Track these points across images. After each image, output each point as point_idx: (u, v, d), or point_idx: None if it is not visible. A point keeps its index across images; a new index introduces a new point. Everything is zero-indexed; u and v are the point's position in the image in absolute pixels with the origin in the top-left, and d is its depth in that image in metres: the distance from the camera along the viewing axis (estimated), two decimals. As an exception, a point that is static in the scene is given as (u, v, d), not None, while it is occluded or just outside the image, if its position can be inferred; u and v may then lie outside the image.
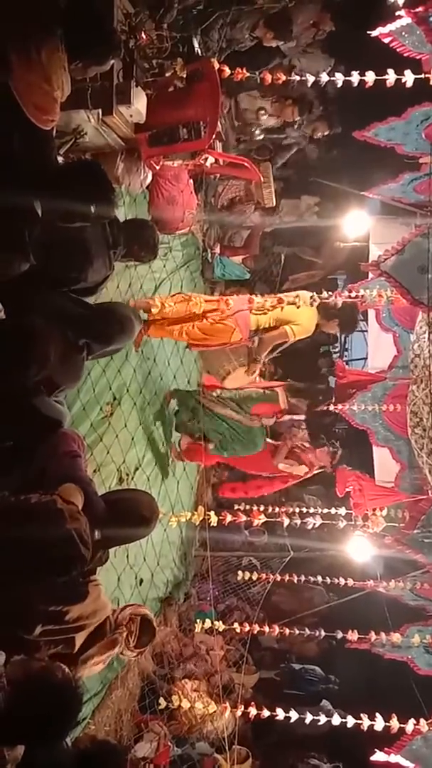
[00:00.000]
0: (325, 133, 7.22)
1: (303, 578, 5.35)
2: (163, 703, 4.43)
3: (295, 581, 5.39)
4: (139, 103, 4.08)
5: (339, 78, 3.86)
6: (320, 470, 5.86)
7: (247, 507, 5.33)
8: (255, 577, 5.47)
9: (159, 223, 5.14)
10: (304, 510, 5.34)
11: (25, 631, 2.40)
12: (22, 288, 2.76)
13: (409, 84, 3.74)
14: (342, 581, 5.17)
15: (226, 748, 4.68)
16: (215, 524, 4.86)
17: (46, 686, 2.03)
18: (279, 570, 5.85)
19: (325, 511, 5.33)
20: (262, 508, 5.25)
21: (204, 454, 5.47)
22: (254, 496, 5.95)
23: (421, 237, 4.03)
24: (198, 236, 6.70)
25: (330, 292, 5.02)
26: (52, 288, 2.91)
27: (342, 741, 5.11)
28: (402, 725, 3.80)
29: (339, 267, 8.14)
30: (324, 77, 3.97)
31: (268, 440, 5.73)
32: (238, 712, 4.14)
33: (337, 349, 9.82)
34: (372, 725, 3.81)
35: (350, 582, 5.16)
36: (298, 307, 4.91)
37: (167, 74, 4.55)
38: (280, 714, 4.02)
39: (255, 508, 5.25)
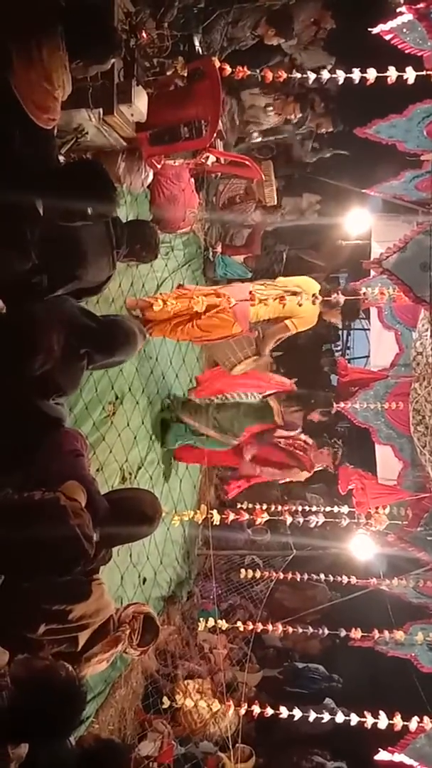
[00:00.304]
0: (329, 130, 7.21)
1: (306, 576, 5.35)
2: (166, 702, 4.43)
3: (298, 579, 5.39)
4: (140, 102, 4.08)
5: (340, 75, 3.85)
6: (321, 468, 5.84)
7: (250, 506, 5.33)
8: (258, 575, 5.47)
9: (160, 222, 5.15)
10: (307, 508, 5.34)
11: (29, 630, 2.41)
12: (26, 291, 2.76)
13: (411, 81, 3.73)
14: (345, 579, 5.17)
15: (230, 746, 4.68)
16: (218, 523, 4.86)
17: (49, 685, 2.03)
18: (282, 568, 5.84)
19: (328, 509, 5.33)
20: (264, 506, 5.25)
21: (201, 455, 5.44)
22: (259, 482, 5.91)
23: (423, 234, 4.02)
24: (199, 235, 6.70)
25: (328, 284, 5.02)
26: (55, 288, 2.90)
27: (345, 739, 5.11)
28: (406, 723, 3.80)
29: (341, 266, 8.14)
30: (325, 74, 3.96)
31: None
32: (242, 711, 4.14)
33: (339, 347, 9.83)
34: (375, 723, 3.81)
35: (353, 580, 5.16)
36: (300, 305, 4.90)
37: (168, 73, 4.55)
38: (284, 712, 4.02)
39: (258, 506, 5.25)
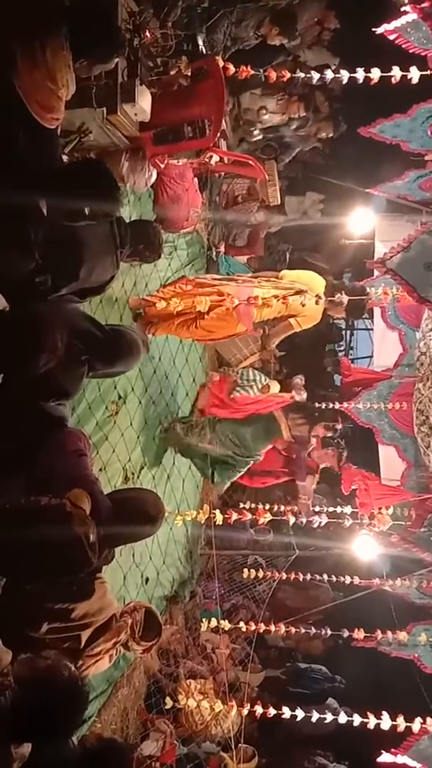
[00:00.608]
0: (330, 135, 7.21)
1: (309, 576, 5.35)
2: (169, 702, 4.43)
3: (301, 579, 5.38)
4: (144, 102, 4.08)
5: (344, 75, 3.84)
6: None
7: (253, 505, 5.33)
8: (261, 575, 5.47)
9: (164, 222, 5.15)
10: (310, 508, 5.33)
11: (32, 629, 2.41)
12: (30, 291, 2.76)
13: (415, 81, 3.72)
14: (348, 580, 5.16)
15: (233, 746, 4.68)
16: (221, 523, 4.86)
17: (52, 684, 2.03)
18: (285, 568, 5.84)
19: (331, 509, 5.32)
20: (267, 506, 5.24)
21: None
22: (259, 486, 5.90)
23: (427, 234, 4.01)
24: (203, 235, 6.70)
25: (336, 281, 5.01)
26: (59, 288, 2.90)
27: (348, 741, 5.11)
28: (409, 724, 3.79)
29: (344, 266, 8.13)
30: (329, 74, 3.96)
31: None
32: (245, 711, 4.13)
33: (342, 347, 9.82)
34: (378, 725, 3.80)
35: (356, 580, 5.15)
36: (303, 305, 4.89)
37: (172, 72, 4.55)
38: (287, 713, 4.01)
39: (260, 506, 5.24)
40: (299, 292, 4.84)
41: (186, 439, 5.35)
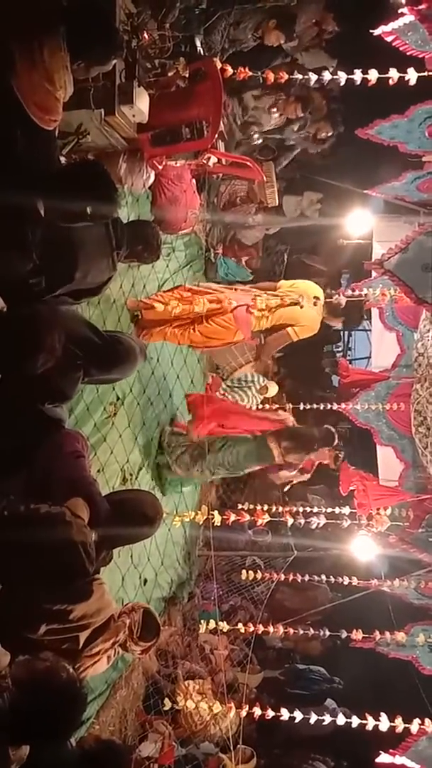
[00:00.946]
0: (329, 134, 7.22)
1: (307, 577, 5.35)
2: (168, 704, 4.43)
3: (299, 580, 5.39)
4: (142, 103, 4.08)
5: (342, 76, 3.85)
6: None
7: (251, 506, 5.33)
8: (259, 576, 5.47)
9: (162, 223, 5.15)
10: (308, 509, 5.34)
11: (30, 631, 2.41)
12: (25, 291, 2.76)
13: (413, 82, 3.73)
14: (346, 580, 5.17)
15: (231, 747, 4.68)
16: (219, 524, 4.86)
17: (50, 686, 2.03)
18: (283, 569, 5.84)
19: (329, 510, 5.33)
20: (265, 507, 5.24)
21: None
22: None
23: (424, 235, 4.03)
24: (201, 236, 6.70)
25: (333, 291, 5.01)
26: (54, 289, 2.89)
27: (346, 742, 5.11)
28: (407, 725, 3.79)
29: (342, 268, 8.13)
30: (327, 76, 3.96)
31: None
32: (243, 713, 4.13)
33: (340, 348, 9.83)
34: (377, 725, 3.80)
35: (354, 581, 5.15)
36: (301, 307, 4.90)
37: (170, 74, 4.55)
38: (285, 714, 4.01)
39: (259, 507, 5.24)
40: (296, 303, 4.85)
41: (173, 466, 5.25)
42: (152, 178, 4.74)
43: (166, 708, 4.47)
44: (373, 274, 5.43)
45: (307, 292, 4.91)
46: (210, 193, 6.66)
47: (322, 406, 6.08)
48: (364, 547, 5.38)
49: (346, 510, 5.29)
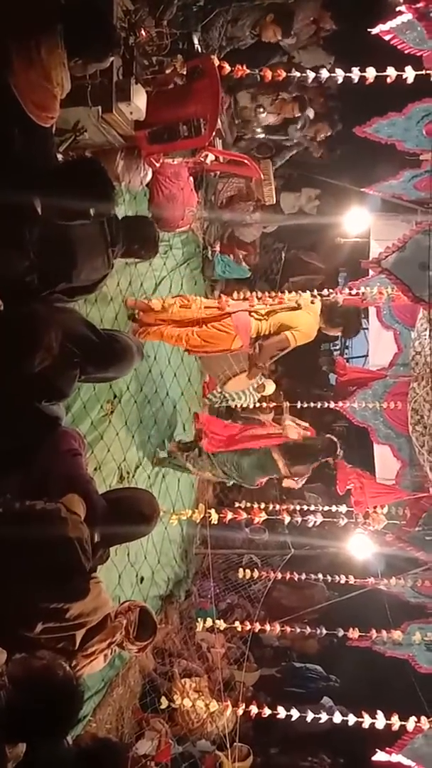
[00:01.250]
0: (328, 134, 7.22)
1: (304, 576, 5.35)
2: (164, 702, 4.43)
3: (296, 579, 5.39)
4: (139, 101, 4.08)
5: (339, 74, 3.85)
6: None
7: (248, 505, 5.33)
8: (256, 574, 5.47)
9: (159, 221, 5.14)
10: (305, 507, 5.34)
11: (26, 629, 2.40)
12: (20, 289, 2.75)
13: (411, 80, 3.73)
14: (343, 579, 5.17)
15: (228, 745, 4.68)
16: (216, 522, 4.86)
17: (47, 684, 2.03)
18: (280, 567, 5.84)
19: (326, 508, 5.33)
20: (262, 505, 5.24)
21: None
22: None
23: (421, 234, 4.03)
24: (198, 234, 6.69)
25: (331, 290, 4.99)
26: (48, 286, 2.88)
27: (343, 739, 5.12)
28: (403, 723, 3.80)
29: (340, 266, 8.13)
30: (324, 74, 3.96)
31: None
32: (240, 711, 4.14)
33: (337, 347, 9.83)
34: (373, 723, 3.81)
35: (351, 579, 5.16)
36: (300, 307, 4.88)
37: (167, 71, 4.54)
38: (281, 712, 4.01)
39: (256, 505, 5.25)
40: (294, 309, 4.83)
41: (186, 465, 5.36)
42: (149, 176, 4.74)
43: (163, 706, 4.47)
44: (371, 272, 5.43)
45: (304, 302, 4.89)
46: (207, 191, 6.66)
47: (319, 405, 6.08)
48: (361, 546, 5.38)
49: (343, 508, 5.30)
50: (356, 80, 3.81)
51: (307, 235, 7.95)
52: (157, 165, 4.70)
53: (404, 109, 4.42)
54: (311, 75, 4.07)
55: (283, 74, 4.18)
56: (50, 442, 2.77)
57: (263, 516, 5.19)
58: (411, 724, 3.79)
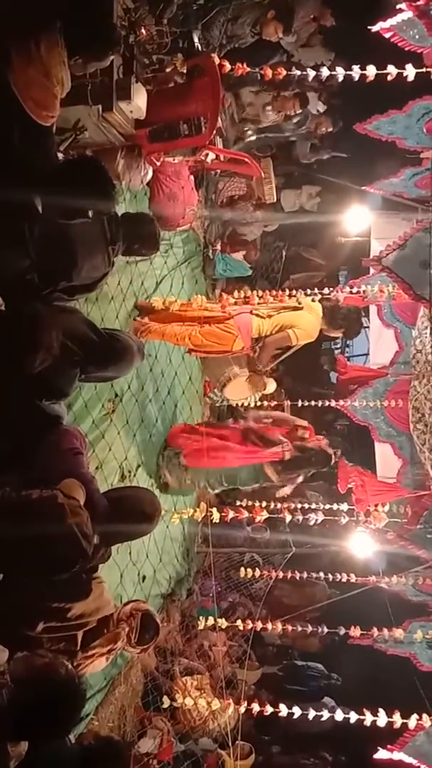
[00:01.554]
0: (329, 129, 7.20)
1: (305, 574, 5.36)
2: (166, 701, 4.43)
3: (298, 577, 5.39)
4: (140, 99, 4.07)
5: (339, 72, 3.84)
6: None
7: (249, 503, 5.33)
8: (257, 573, 5.47)
9: (160, 220, 5.12)
10: (306, 506, 5.34)
11: (28, 628, 2.41)
12: (20, 288, 2.75)
13: (411, 78, 3.73)
14: (344, 577, 5.18)
15: (230, 743, 4.69)
16: (217, 521, 4.86)
17: (49, 683, 2.03)
18: (281, 566, 5.85)
19: (327, 507, 5.33)
20: (264, 504, 5.25)
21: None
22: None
23: (422, 232, 4.02)
24: (199, 233, 6.69)
25: (331, 288, 4.99)
26: (48, 285, 2.88)
27: (345, 737, 5.12)
28: (405, 721, 3.80)
29: (341, 264, 8.13)
30: (325, 71, 3.96)
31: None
32: (242, 709, 4.14)
33: (338, 345, 9.83)
34: (375, 721, 3.81)
35: (352, 578, 5.16)
36: (302, 307, 4.87)
37: (167, 70, 4.54)
38: (283, 710, 4.02)
39: (257, 504, 5.25)
40: (296, 309, 4.83)
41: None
42: (150, 175, 4.74)
43: (165, 706, 4.47)
44: (371, 270, 5.43)
45: (306, 303, 4.88)
46: (208, 190, 6.65)
47: (320, 403, 6.08)
48: (362, 544, 5.38)
49: (344, 507, 5.30)
50: (357, 78, 3.81)
51: (308, 233, 7.95)
52: (158, 164, 4.70)
53: (405, 107, 4.41)
54: (312, 73, 4.06)
55: (284, 72, 4.18)
56: (52, 440, 2.77)
57: (264, 514, 5.19)
58: (413, 721, 3.80)
